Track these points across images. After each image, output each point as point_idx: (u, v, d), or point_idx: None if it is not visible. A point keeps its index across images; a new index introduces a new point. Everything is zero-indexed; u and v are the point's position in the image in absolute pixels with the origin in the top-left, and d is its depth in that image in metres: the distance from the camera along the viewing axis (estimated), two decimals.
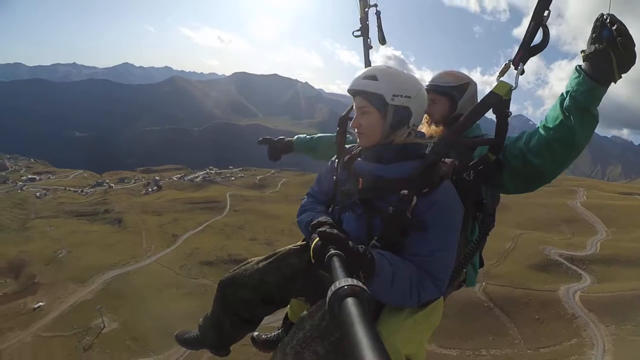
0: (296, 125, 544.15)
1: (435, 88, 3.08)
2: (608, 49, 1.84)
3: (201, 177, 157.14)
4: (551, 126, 2.13)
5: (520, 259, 58.01)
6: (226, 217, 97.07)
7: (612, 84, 1.97)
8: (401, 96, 2.16)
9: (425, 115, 2.99)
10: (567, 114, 2.05)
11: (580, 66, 2.03)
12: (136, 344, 45.54)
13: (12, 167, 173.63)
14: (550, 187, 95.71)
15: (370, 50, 3.70)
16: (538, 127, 2.23)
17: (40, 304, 54.73)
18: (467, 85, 3.10)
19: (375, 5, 3.53)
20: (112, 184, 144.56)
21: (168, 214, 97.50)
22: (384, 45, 3.73)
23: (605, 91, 1.98)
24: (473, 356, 40.80)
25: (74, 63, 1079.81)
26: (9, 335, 48.78)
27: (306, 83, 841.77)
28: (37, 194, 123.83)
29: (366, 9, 3.55)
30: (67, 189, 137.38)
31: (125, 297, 54.08)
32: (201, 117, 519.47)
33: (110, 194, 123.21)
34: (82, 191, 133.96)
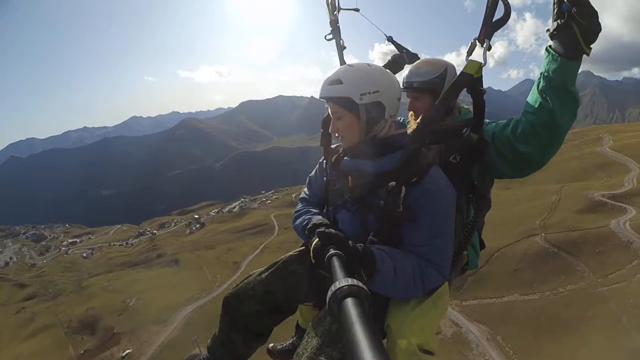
0: (312, 140, 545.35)
1: (411, 86, 2.95)
2: (570, 22, 1.86)
3: (237, 207, 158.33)
4: (531, 111, 2.16)
5: (568, 207, 60.95)
6: (278, 236, 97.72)
7: (585, 56, 1.96)
8: (369, 93, 2.11)
9: (411, 112, 2.96)
10: (544, 95, 2.07)
11: (550, 46, 2.04)
12: None
13: (50, 236, 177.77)
14: (577, 139, 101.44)
15: (344, 50, 3.71)
16: (522, 113, 2.25)
17: (128, 351, 54.72)
18: (445, 70, 2.90)
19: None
20: (154, 231, 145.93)
21: (221, 246, 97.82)
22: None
23: (578, 66, 1.99)
24: (552, 295, 43.40)
25: (85, 127, 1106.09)
26: None
27: (311, 97, 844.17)
28: (84, 254, 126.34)
29: (335, 12, 3.56)
30: (112, 244, 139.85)
31: (213, 325, 49.63)
32: (220, 151, 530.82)
33: (157, 240, 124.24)
34: (127, 243, 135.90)
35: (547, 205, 62.83)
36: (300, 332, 3.25)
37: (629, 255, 44.65)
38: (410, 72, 3.01)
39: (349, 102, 2.12)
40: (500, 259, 49.19)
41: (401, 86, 2.78)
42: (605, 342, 33.85)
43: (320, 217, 2.36)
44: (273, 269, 2.67)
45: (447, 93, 2.29)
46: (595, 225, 52.79)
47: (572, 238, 51.30)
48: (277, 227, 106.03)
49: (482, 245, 3.14)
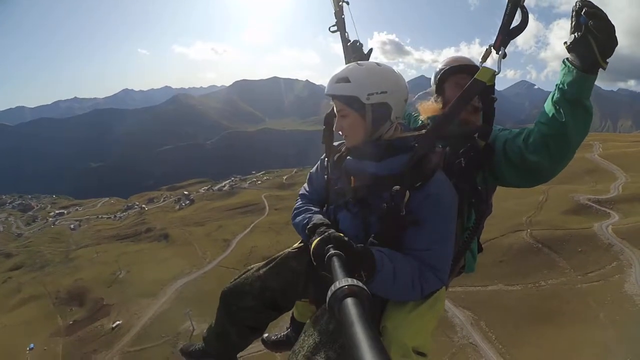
0: (304, 124, 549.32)
1: (472, 69, 2.53)
2: (587, 35, 1.86)
3: (228, 185, 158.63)
4: (544, 121, 2.13)
5: (554, 207, 63.48)
6: (269, 216, 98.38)
7: (602, 70, 1.93)
8: (376, 93, 2.11)
9: (421, 106, 2.89)
10: (557, 107, 2.06)
11: (567, 58, 2.04)
12: None
13: (37, 206, 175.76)
14: None
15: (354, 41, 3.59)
16: (535, 123, 2.24)
17: (118, 322, 54.96)
18: None
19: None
20: (143, 205, 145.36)
21: (211, 223, 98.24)
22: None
23: (594, 80, 1.98)
24: (534, 288, 45.83)
25: (75, 97, 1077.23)
26: (95, 357, 49.20)
27: (307, 81, 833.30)
28: (71, 226, 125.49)
29: (340, 3, 3.52)
30: (99, 216, 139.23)
31: (204, 300, 52.92)
32: (210, 129, 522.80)
33: (146, 215, 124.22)
34: (115, 217, 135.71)
35: (534, 204, 64.87)
36: (295, 324, 3.29)
37: (609, 256, 47.15)
38: (452, 58, 2.85)
39: (356, 102, 2.12)
40: (486, 250, 47.62)
41: (447, 67, 2.76)
42: (585, 334, 35.97)
43: (320, 216, 2.35)
44: (271, 265, 2.67)
45: (458, 100, 2.23)
46: (578, 226, 55.17)
47: (556, 236, 53.64)
48: (267, 207, 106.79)
49: (480, 249, 3.16)
